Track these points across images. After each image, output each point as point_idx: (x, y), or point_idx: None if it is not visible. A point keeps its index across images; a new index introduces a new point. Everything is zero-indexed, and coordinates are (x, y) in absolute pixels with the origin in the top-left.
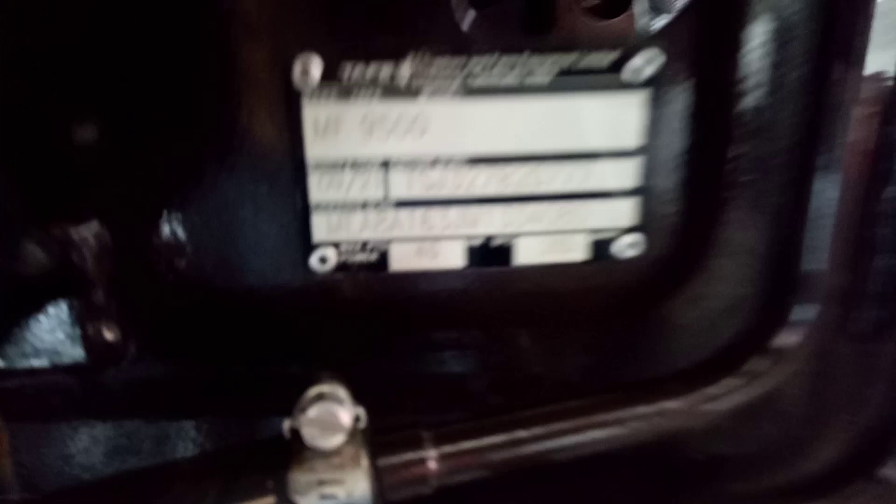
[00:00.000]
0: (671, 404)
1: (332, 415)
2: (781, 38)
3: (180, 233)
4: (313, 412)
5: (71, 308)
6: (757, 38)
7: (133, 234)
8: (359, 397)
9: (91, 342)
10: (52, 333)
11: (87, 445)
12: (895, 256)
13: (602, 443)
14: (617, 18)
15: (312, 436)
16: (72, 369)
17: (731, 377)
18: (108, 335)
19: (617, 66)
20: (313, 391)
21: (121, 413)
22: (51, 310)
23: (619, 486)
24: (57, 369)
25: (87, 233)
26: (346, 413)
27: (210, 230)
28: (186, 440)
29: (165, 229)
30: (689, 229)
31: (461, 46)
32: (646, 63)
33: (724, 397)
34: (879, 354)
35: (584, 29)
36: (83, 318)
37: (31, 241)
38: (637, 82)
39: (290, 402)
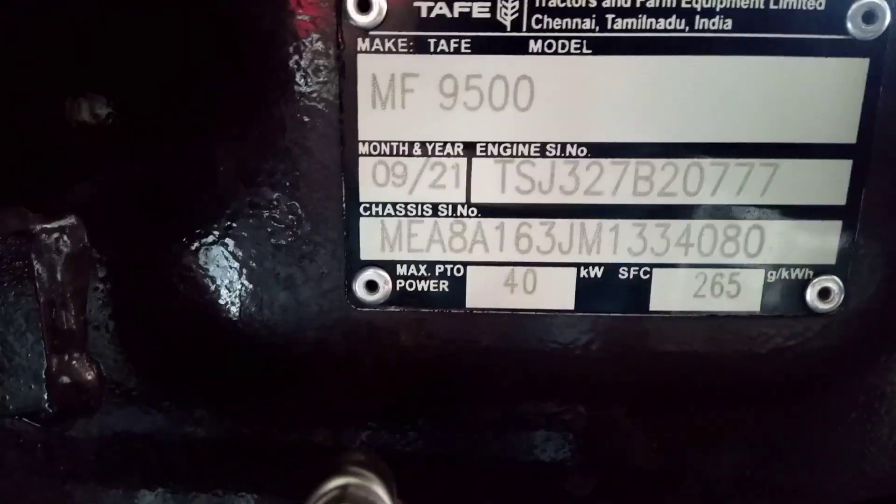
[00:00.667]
0: None
1: None
2: None
3: (180, 243)
4: None
5: (31, 335)
6: None
7: (118, 240)
8: (408, 490)
9: (55, 383)
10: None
11: None
12: None
13: None
14: None
15: None
16: (31, 416)
17: None
18: (80, 373)
19: (838, 15)
20: (332, 484)
21: (93, 479)
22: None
23: None
24: (8, 414)
25: (60, 227)
26: None
27: (221, 241)
28: None
29: (162, 239)
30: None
31: None
32: (879, 10)
33: None
34: None
35: None
36: (46, 351)
37: None
38: (863, 40)
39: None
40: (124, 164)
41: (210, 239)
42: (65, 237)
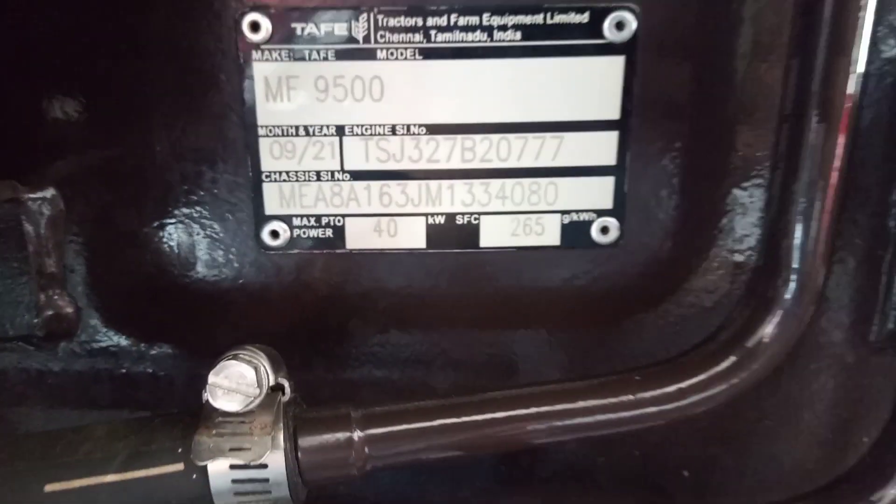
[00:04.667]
0: (626, 397)
1: (240, 377)
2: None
3: (135, 205)
4: (223, 372)
5: (19, 276)
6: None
7: (87, 205)
8: (312, 385)
9: (42, 311)
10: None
11: None
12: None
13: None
14: None
15: (218, 399)
16: (24, 338)
17: (698, 375)
18: (61, 306)
19: (596, 25)
20: (228, 354)
21: (72, 391)
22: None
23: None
24: (8, 339)
25: (41, 198)
26: (258, 376)
27: (164, 203)
28: None
29: (120, 203)
30: (674, 218)
31: (418, 4)
32: (626, 20)
33: (686, 395)
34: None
35: None
36: (37, 288)
37: None
38: (618, 42)
39: None
40: (88, 148)
41: (152, 202)
42: (46, 204)
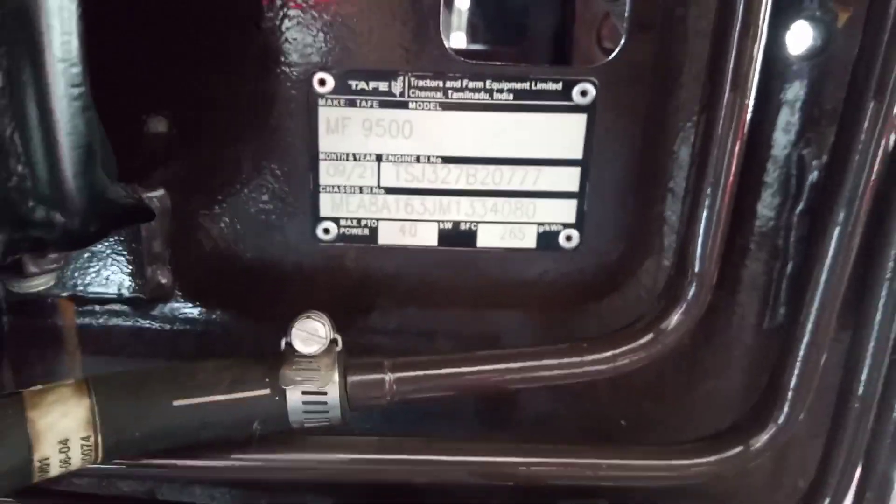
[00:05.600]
0: (576, 359)
1: (315, 329)
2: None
3: (221, 204)
4: (300, 325)
5: (134, 254)
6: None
7: (186, 204)
8: (347, 343)
9: (148, 281)
10: (118, 273)
11: None
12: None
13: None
14: None
15: (298, 343)
16: (130, 301)
17: (627, 345)
18: (162, 278)
19: (566, 91)
20: (304, 314)
21: (166, 348)
22: (119, 255)
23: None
24: (119, 298)
25: (155, 196)
26: (324, 329)
27: (244, 204)
28: None
29: (209, 202)
30: (621, 230)
31: (440, 71)
32: (588, 90)
33: (618, 359)
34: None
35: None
36: (143, 262)
37: (121, 186)
38: (582, 105)
39: None
40: (187, 159)
41: (240, 208)
42: (156, 201)
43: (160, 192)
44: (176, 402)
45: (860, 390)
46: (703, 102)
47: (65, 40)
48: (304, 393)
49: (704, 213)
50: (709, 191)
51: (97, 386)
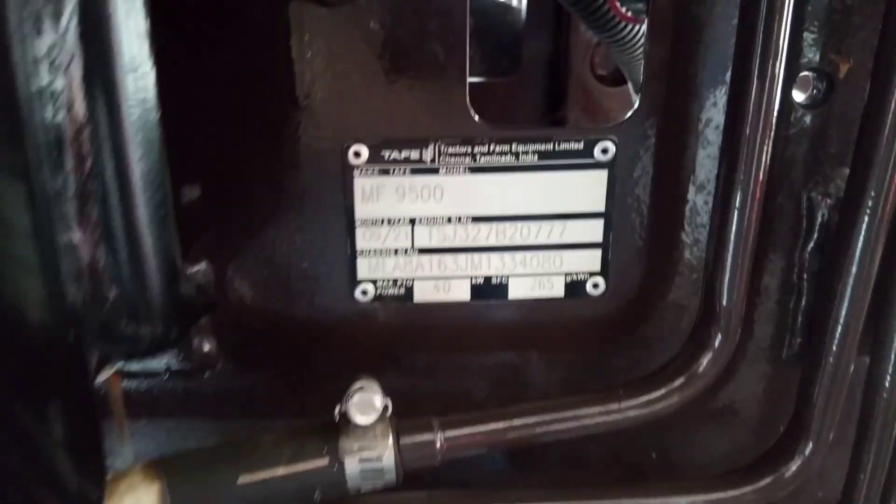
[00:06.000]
0: (614, 405)
1: (370, 400)
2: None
3: (260, 272)
4: (356, 398)
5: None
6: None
7: (225, 273)
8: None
9: (194, 352)
10: None
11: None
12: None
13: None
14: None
15: (355, 415)
16: (178, 372)
17: (661, 389)
18: (206, 347)
19: (588, 150)
20: (356, 385)
21: (212, 411)
22: None
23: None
24: (168, 371)
25: (200, 270)
26: (379, 399)
27: (282, 270)
28: None
29: (249, 269)
30: (642, 277)
31: (468, 137)
32: (609, 147)
33: (654, 404)
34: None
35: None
36: (189, 334)
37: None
38: (603, 161)
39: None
40: (217, 227)
41: (278, 275)
42: (200, 275)
43: (203, 265)
44: (241, 480)
45: (883, 403)
46: (723, 149)
47: (150, 168)
48: (361, 461)
49: (730, 257)
50: (733, 235)
51: (165, 468)
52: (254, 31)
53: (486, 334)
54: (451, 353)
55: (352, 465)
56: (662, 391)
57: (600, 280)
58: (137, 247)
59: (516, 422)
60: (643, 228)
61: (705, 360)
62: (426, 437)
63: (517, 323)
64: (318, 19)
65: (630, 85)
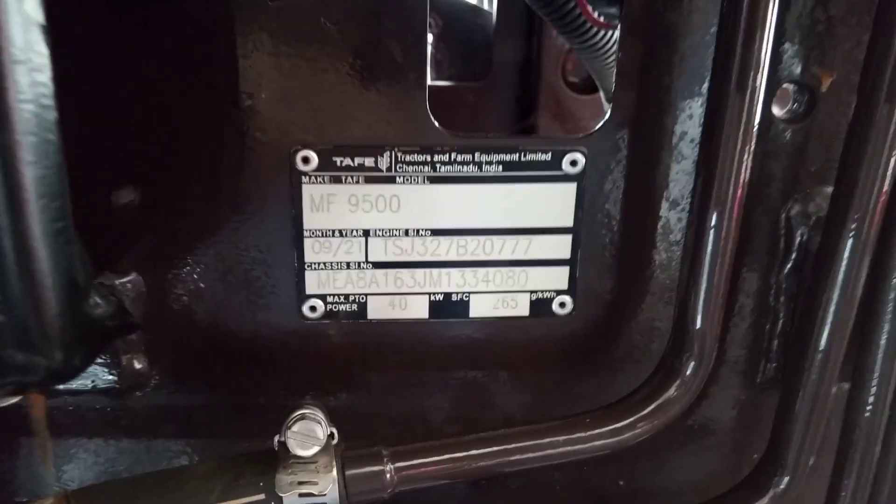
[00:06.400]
0: (579, 434)
1: (311, 430)
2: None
3: (199, 284)
4: (297, 427)
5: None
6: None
7: (161, 285)
8: (336, 425)
9: (123, 370)
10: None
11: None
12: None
13: (526, 462)
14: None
15: (294, 446)
16: (106, 391)
17: (629, 417)
18: (138, 364)
19: (556, 161)
20: (297, 412)
21: (143, 431)
22: None
23: None
24: (94, 390)
25: (129, 281)
26: (322, 430)
27: (223, 283)
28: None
29: (187, 282)
30: (611, 294)
31: (427, 145)
32: (578, 159)
33: (621, 432)
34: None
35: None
36: (118, 351)
37: (95, 292)
38: (571, 174)
39: (280, 424)
40: (155, 234)
41: (215, 283)
42: (130, 286)
43: (132, 276)
44: None
45: (863, 433)
46: (699, 164)
47: (45, 174)
48: (301, 496)
49: (705, 277)
50: (708, 255)
51: (79, 502)
52: (193, 24)
53: (445, 354)
54: (408, 374)
55: (290, 501)
56: (630, 419)
57: (567, 299)
58: (28, 264)
59: (474, 452)
60: (613, 245)
61: (675, 387)
62: (374, 468)
63: (479, 343)
64: (264, 12)
65: (602, 94)
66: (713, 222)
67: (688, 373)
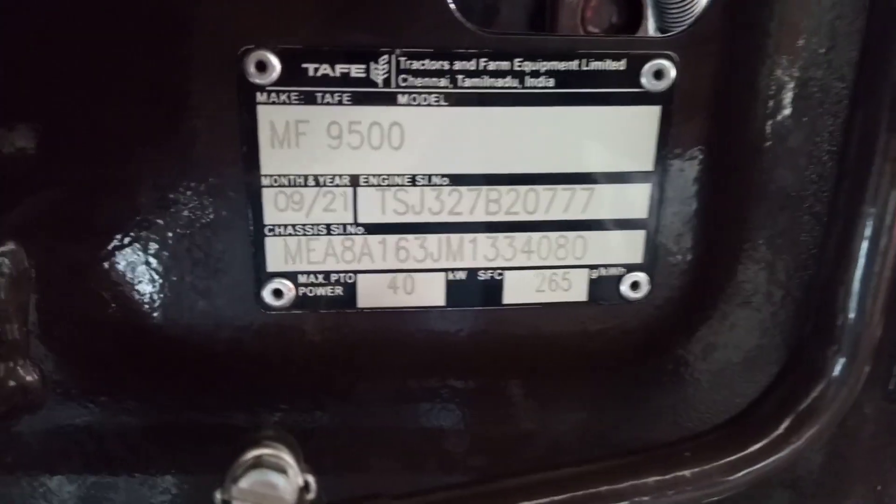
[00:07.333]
0: (680, 475)
1: (271, 486)
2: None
3: (112, 259)
4: (247, 482)
5: None
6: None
7: (58, 259)
8: (315, 458)
9: (2, 386)
10: None
11: None
12: None
13: None
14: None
15: None
16: None
17: (753, 443)
18: (24, 377)
19: (633, 73)
20: (250, 455)
21: (38, 468)
22: None
23: None
24: None
25: (1, 254)
26: (289, 484)
27: (149, 256)
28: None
29: (96, 255)
30: (702, 270)
31: (445, 47)
32: (665, 69)
33: (743, 466)
34: None
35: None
36: None
37: None
38: (655, 92)
39: (229, 460)
40: (52, 193)
41: (135, 258)
42: (7, 261)
43: (10, 246)
44: None
45: None
46: (857, 88)
47: None
48: None
49: (864, 248)
50: (870, 216)
51: None
52: None
53: (467, 357)
54: (414, 385)
55: None
56: (758, 445)
57: (642, 277)
58: None
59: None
60: (708, 199)
61: (819, 389)
62: None
63: (515, 340)
64: None
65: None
66: (875, 167)
67: (835, 372)
